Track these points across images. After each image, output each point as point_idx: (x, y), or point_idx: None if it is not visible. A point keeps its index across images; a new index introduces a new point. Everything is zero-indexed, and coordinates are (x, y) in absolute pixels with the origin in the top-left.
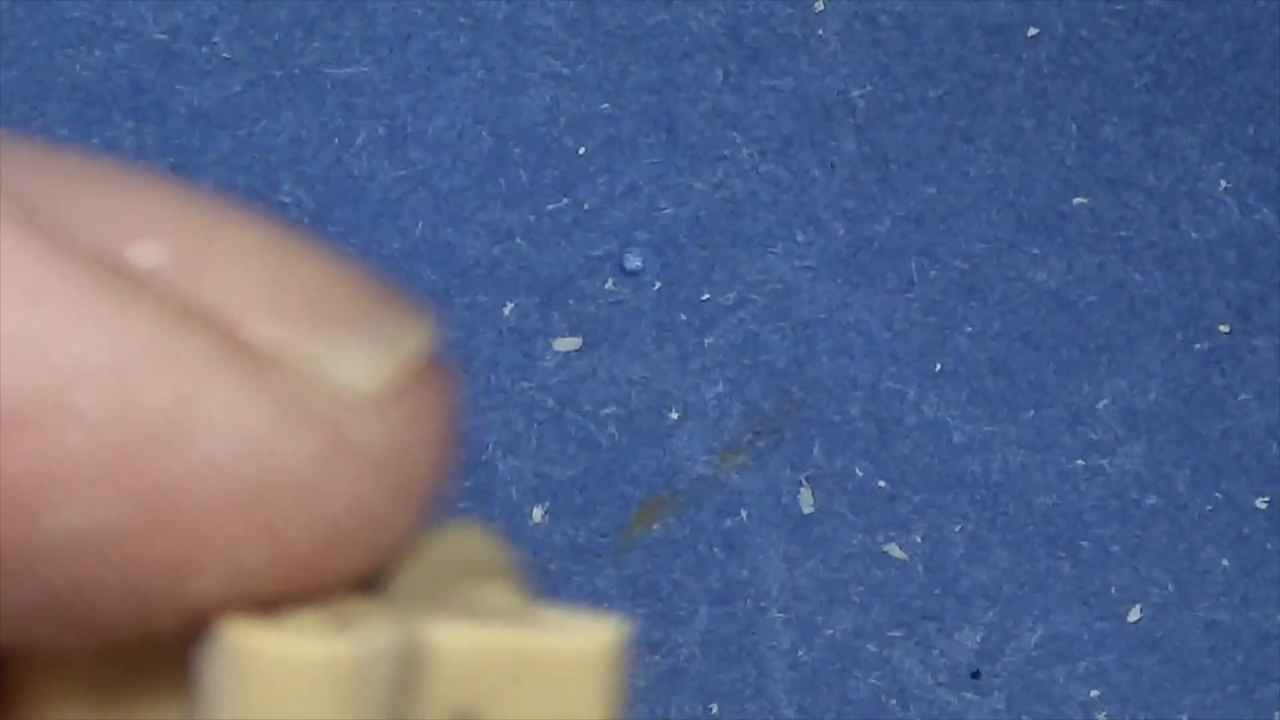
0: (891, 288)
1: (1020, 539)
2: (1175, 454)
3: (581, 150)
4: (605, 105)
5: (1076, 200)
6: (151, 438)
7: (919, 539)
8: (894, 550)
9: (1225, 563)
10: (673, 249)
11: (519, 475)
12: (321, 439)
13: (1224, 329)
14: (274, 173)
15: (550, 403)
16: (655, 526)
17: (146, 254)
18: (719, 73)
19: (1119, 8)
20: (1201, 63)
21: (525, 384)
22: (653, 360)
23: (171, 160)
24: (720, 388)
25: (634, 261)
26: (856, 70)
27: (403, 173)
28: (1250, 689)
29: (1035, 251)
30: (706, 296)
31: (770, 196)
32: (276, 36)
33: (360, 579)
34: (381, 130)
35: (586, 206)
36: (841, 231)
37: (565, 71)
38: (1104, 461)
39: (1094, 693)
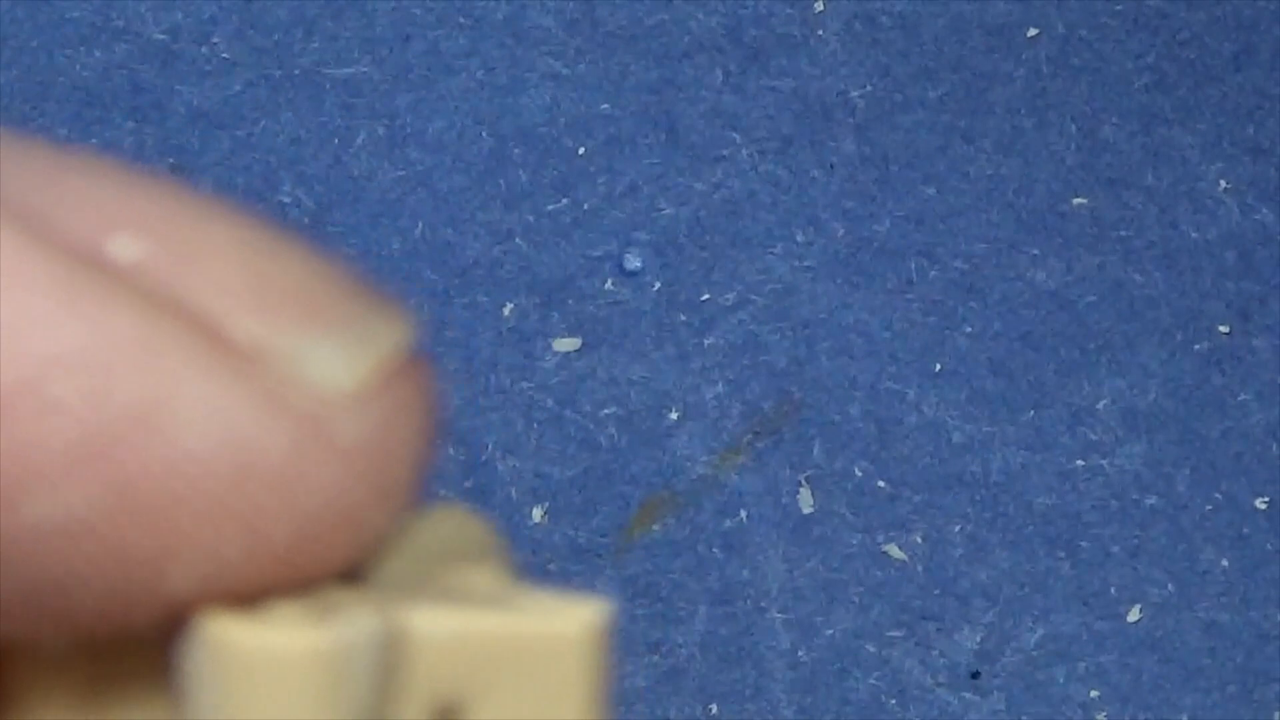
0: (891, 288)
1: (1020, 539)
2: (1175, 454)
3: (581, 150)
4: (605, 105)
5: (1076, 200)
6: (128, 430)
7: (919, 539)
8: (894, 550)
9: (1225, 563)
10: (673, 249)
11: (519, 475)
12: (299, 433)
13: (1224, 329)
14: (274, 173)
15: (550, 403)
16: (655, 526)
17: (126, 248)
18: (719, 73)
19: (1119, 8)
20: (1201, 63)
21: (525, 384)
22: (653, 360)
23: (171, 160)
24: (720, 388)
25: (634, 261)
26: (856, 70)
27: (403, 173)
28: (1250, 689)
29: (1035, 251)
30: (706, 296)
31: (770, 196)
32: (276, 36)
33: (343, 568)
34: (381, 130)
35: (586, 206)
36: (841, 231)
37: (565, 71)
38: (1104, 461)
39: (1094, 693)
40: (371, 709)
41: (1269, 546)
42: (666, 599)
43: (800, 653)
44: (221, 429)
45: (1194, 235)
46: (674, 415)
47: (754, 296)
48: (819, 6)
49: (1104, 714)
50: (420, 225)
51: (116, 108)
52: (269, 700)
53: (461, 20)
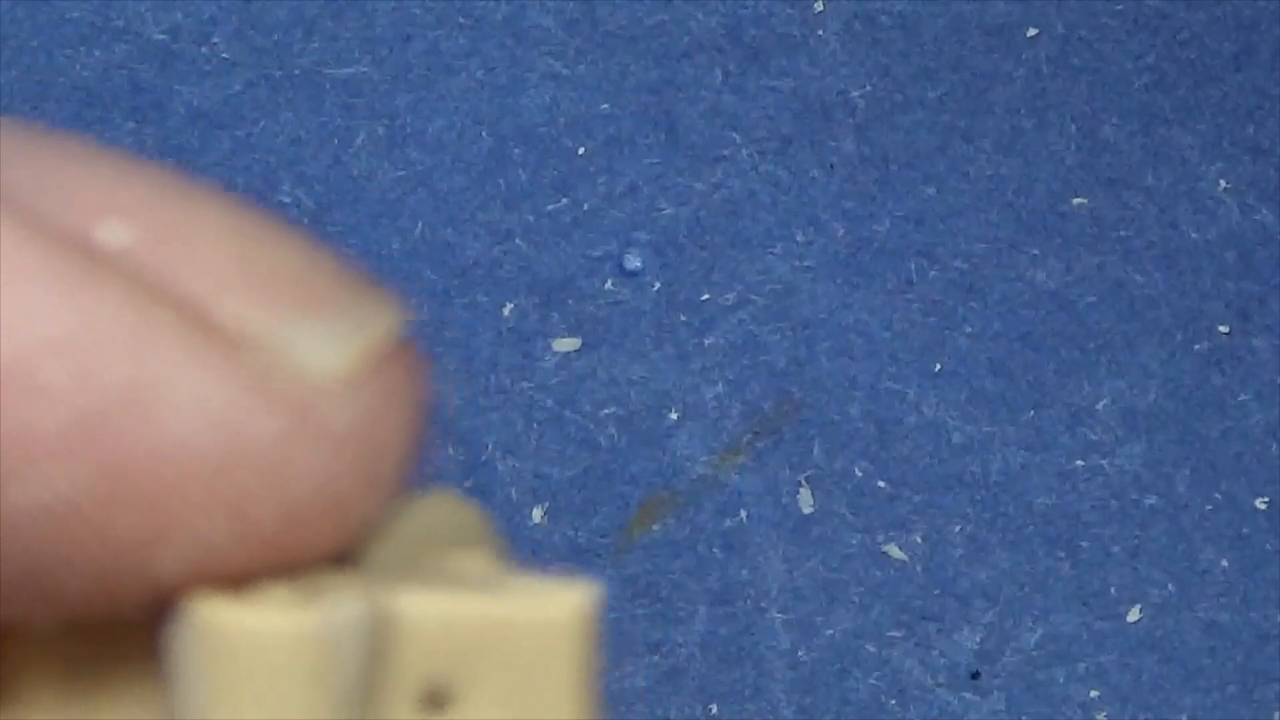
0: (891, 288)
1: (1020, 539)
2: (1175, 454)
3: (581, 150)
4: (605, 105)
5: (1076, 200)
6: (117, 414)
7: (919, 539)
8: (894, 550)
9: (1225, 563)
10: (673, 249)
11: (519, 475)
12: (287, 418)
13: (1224, 329)
14: (274, 173)
15: (550, 403)
16: (655, 526)
17: (114, 233)
18: (719, 73)
19: (1119, 8)
20: (1201, 63)
21: (525, 384)
22: (653, 360)
23: (171, 160)
24: (720, 388)
25: (634, 261)
26: (856, 70)
27: (403, 173)
28: (1250, 689)
29: (1035, 251)
30: (706, 296)
31: (770, 196)
32: (276, 36)
33: (332, 553)
34: (381, 130)
35: (586, 206)
36: (841, 231)
37: (565, 71)
38: (1104, 461)
39: (1094, 693)
40: (359, 692)
41: (1269, 546)
42: (666, 599)
43: (800, 653)
44: (210, 414)
45: (1194, 235)
46: (674, 415)
47: (754, 296)
48: (819, 6)
49: (1104, 714)
50: (420, 225)
51: (116, 108)
52: (255, 682)
53: (461, 20)
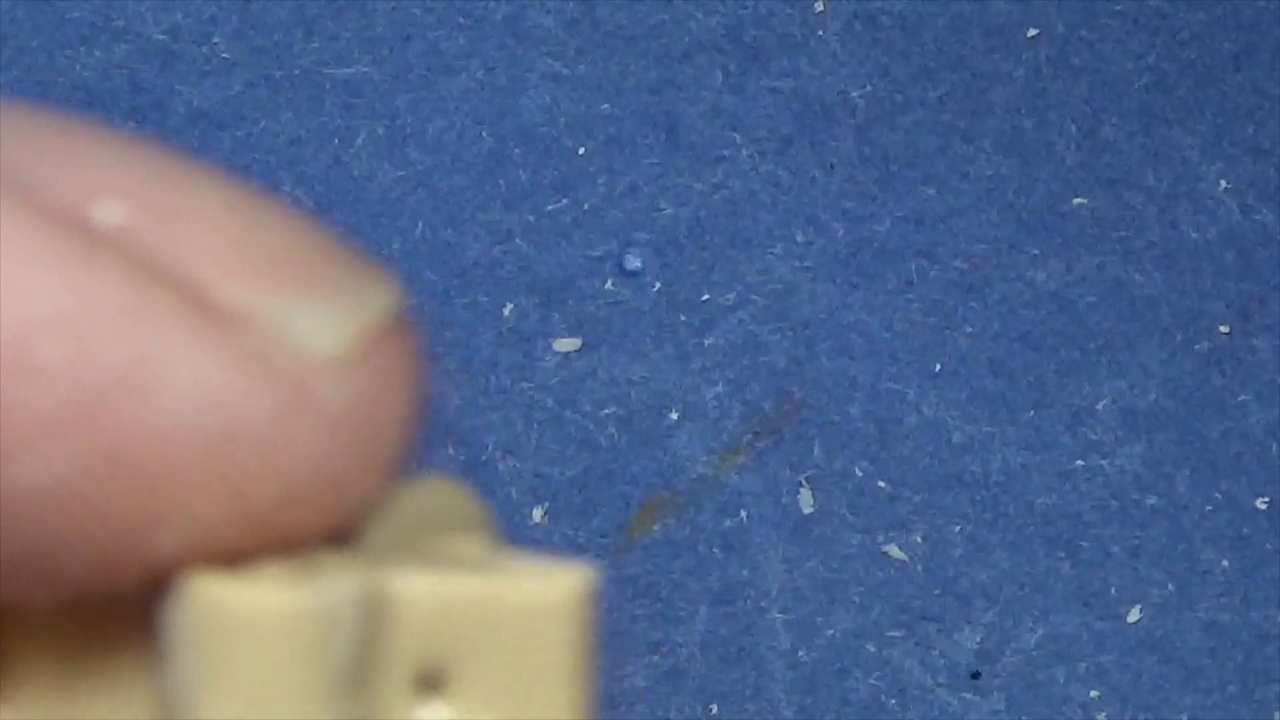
0: (891, 288)
1: (1020, 539)
2: (1175, 454)
3: (581, 150)
4: (605, 105)
5: (1076, 200)
6: (112, 392)
7: (919, 539)
8: (894, 550)
9: (1225, 563)
10: (673, 249)
11: (519, 475)
12: (284, 397)
13: (1224, 329)
14: (274, 173)
15: (550, 403)
16: (655, 526)
17: (111, 212)
18: (719, 73)
19: (1119, 8)
20: (1201, 63)
21: (525, 384)
22: (653, 360)
23: None
24: (720, 388)
25: (634, 261)
26: (856, 70)
27: (403, 173)
28: (1250, 689)
29: (1035, 251)
30: (706, 296)
31: (770, 196)
32: (276, 36)
33: (329, 534)
34: (381, 130)
35: (586, 206)
36: (841, 231)
37: (565, 71)
38: (1104, 461)
39: (1094, 693)
40: (354, 672)
41: (1269, 546)
42: (666, 599)
43: (800, 653)
44: (206, 392)
45: (1194, 235)
46: (674, 415)
47: (754, 296)
48: (819, 6)
49: (1104, 714)
50: (420, 225)
51: (116, 108)
52: (250, 658)
53: (461, 20)
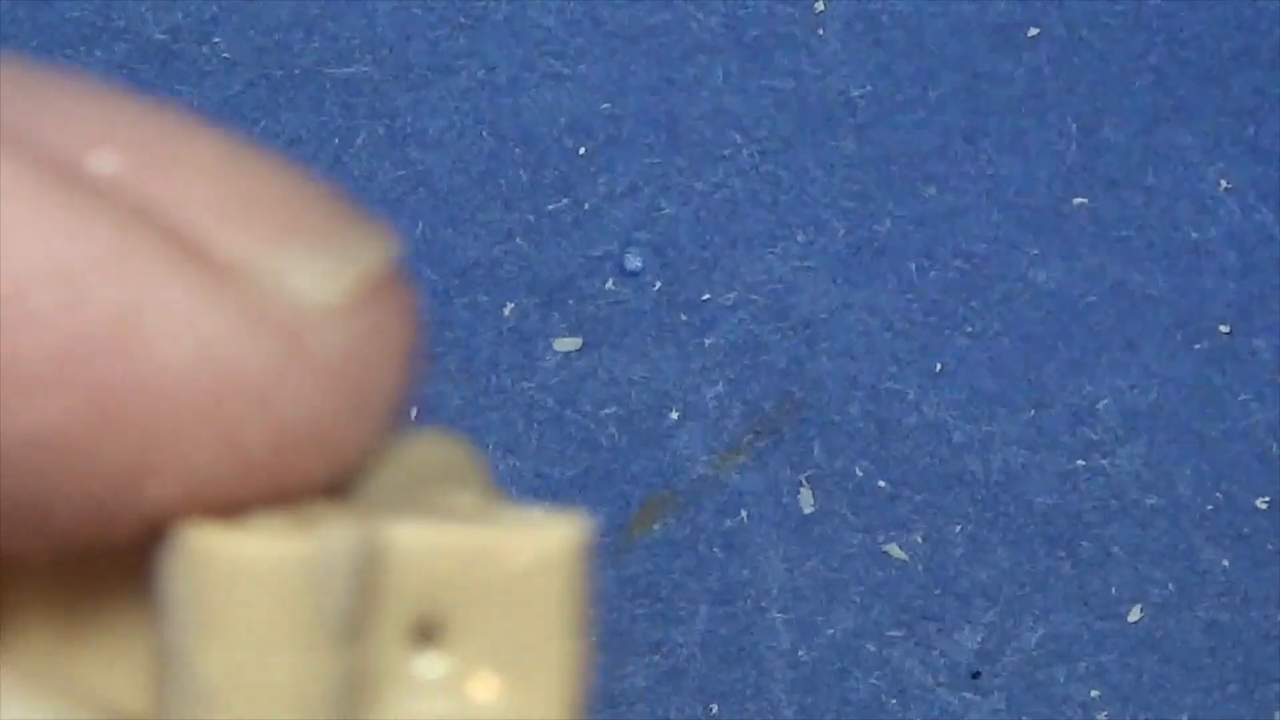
0: (891, 288)
1: (1020, 539)
2: (1175, 454)
3: (581, 150)
4: (606, 105)
5: (1077, 200)
6: (106, 341)
7: (919, 539)
8: (894, 550)
9: (1225, 563)
10: (673, 249)
11: (519, 475)
12: (278, 346)
13: (1224, 329)
14: None
15: (550, 403)
16: (655, 526)
17: (105, 162)
18: (720, 72)
19: (1119, 8)
20: (1201, 63)
21: (525, 384)
22: (653, 360)
23: None
24: (720, 388)
25: (634, 261)
26: (857, 70)
27: (403, 173)
28: (1250, 689)
29: (1035, 251)
30: (706, 296)
31: (770, 196)
32: (276, 36)
33: (326, 486)
34: (381, 130)
35: (586, 206)
36: (841, 231)
37: (565, 71)
38: (1104, 461)
39: (1094, 693)
40: (350, 622)
41: (1269, 546)
42: (666, 599)
43: (800, 653)
44: (199, 342)
45: (1194, 235)
46: (674, 415)
47: (754, 296)
48: (820, 6)
49: (1104, 714)
50: (420, 225)
51: None
52: (245, 608)
53: (461, 20)
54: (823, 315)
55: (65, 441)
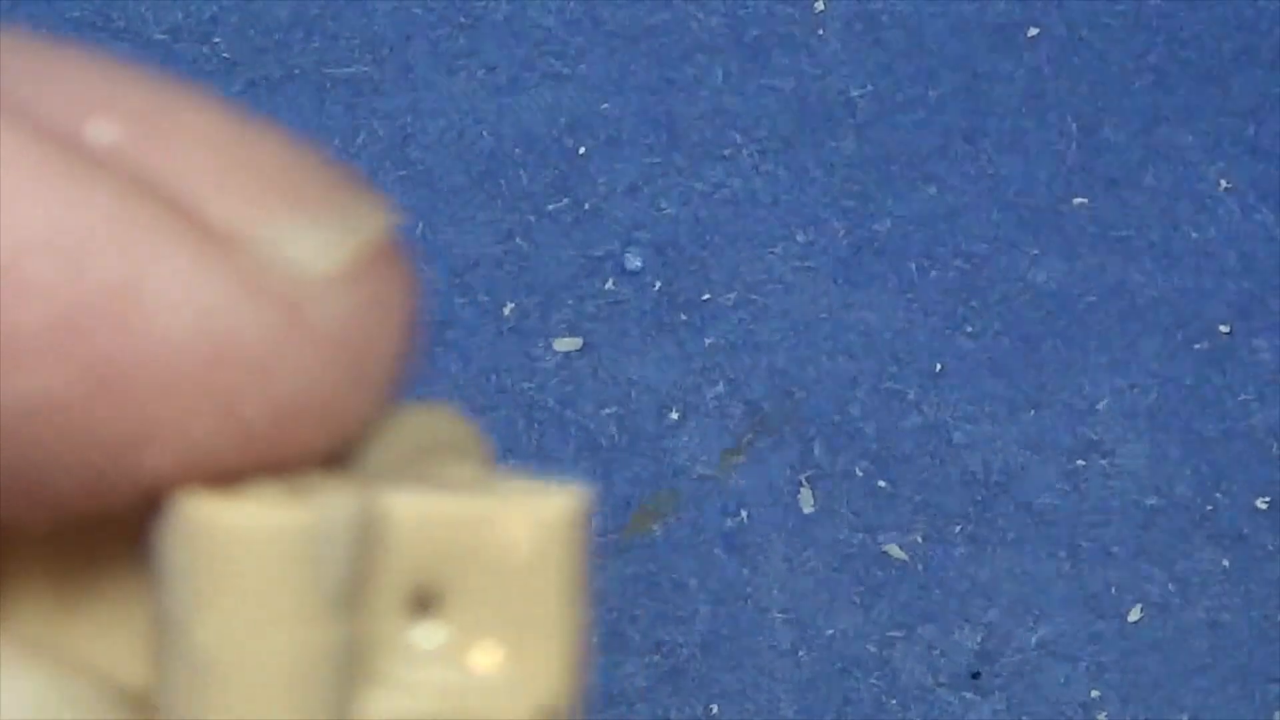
0: (891, 288)
1: (1020, 539)
2: (1175, 454)
3: (581, 150)
4: (606, 105)
5: (1076, 200)
6: (104, 309)
7: (919, 539)
8: (894, 550)
9: (1225, 563)
10: (673, 249)
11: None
12: (276, 316)
13: (1224, 329)
14: None
15: (550, 403)
16: (655, 526)
17: (104, 131)
18: (719, 72)
19: (1119, 8)
20: (1201, 63)
21: (525, 384)
22: (653, 360)
23: None
24: (720, 388)
25: (634, 261)
26: (857, 70)
27: (403, 173)
28: (1250, 689)
29: (1035, 251)
30: (706, 296)
31: (770, 196)
32: (276, 36)
33: (325, 457)
34: (381, 130)
35: (586, 206)
36: (841, 231)
37: (565, 71)
38: (1104, 461)
39: (1094, 693)
40: (348, 592)
41: (1269, 546)
42: (667, 599)
43: (800, 653)
44: (198, 311)
45: (1194, 235)
46: (674, 415)
47: (754, 296)
48: (820, 6)
49: (1104, 714)
50: (420, 225)
51: None
52: (243, 577)
53: (461, 20)
54: (823, 315)
55: (64, 411)
